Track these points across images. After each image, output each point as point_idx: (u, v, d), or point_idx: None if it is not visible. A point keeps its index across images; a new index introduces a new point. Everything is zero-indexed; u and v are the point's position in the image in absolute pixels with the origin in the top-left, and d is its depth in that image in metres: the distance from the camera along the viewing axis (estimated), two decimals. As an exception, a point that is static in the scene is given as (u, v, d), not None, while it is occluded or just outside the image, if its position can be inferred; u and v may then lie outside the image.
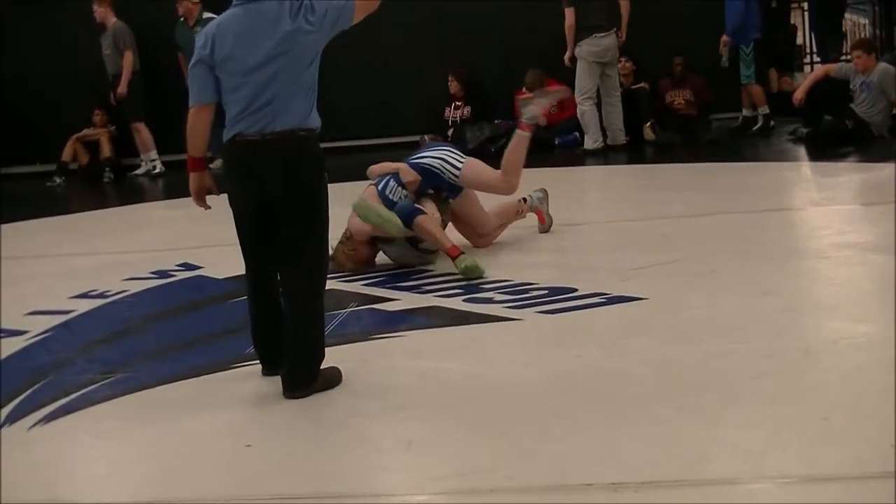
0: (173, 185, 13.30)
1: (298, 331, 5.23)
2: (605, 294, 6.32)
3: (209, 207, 5.62)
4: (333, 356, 5.65)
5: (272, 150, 5.13)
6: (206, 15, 13.32)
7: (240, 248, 5.50)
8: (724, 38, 12.24)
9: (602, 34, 12.18)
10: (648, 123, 12.59)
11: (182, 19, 13.44)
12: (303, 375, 5.19)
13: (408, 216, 7.22)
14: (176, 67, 13.64)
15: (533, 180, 11.05)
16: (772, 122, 12.47)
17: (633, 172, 11.19)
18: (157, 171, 13.86)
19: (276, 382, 5.26)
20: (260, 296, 5.46)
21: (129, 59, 13.44)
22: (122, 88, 13.41)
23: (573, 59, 12.24)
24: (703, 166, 11.05)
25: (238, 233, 5.45)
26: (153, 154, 13.86)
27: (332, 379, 5.27)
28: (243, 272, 5.55)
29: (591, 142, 12.22)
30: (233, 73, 5.17)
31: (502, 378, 5.19)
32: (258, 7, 5.15)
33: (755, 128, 12.52)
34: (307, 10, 5.13)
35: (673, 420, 4.46)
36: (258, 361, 5.54)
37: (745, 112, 12.63)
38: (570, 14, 12.19)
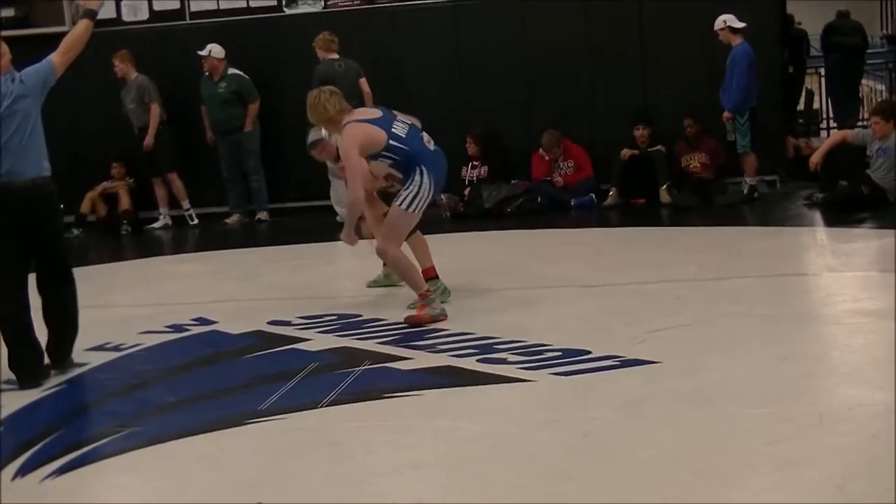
0: (192, 239, 13.37)
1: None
2: (620, 357, 6.30)
3: None
4: (346, 413, 5.67)
5: None
6: (231, 71, 13.46)
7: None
8: (727, 114, 12.24)
9: None
10: (665, 186, 12.61)
11: (207, 74, 13.56)
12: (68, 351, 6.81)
13: None
14: (199, 121, 13.76)
15: (549, 241, 11.10)
16: (756, 194, 12.44)
17: (650, 235, 11.17)
18: (194, 221, 13.92)
19: (290, 437, 5.24)
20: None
21: (155, 110, 13.55)
22: (150, 140, 13.51)
23: None
24: (720, 230, 11.05)
25: None
26: (186, 203, 13.95)
27: None
28: (258, 328, 5.59)
29: None
30: None
31: (515, 439, 5.18)
32: None
33: (744, 195, 12.45)
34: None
35: (688, 484, 4.43)
36: (271, 418, 5.53)
37: (750, 180, 12.57)
38: None
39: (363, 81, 12.63)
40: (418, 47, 13.74)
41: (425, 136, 7.68)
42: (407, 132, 7.58)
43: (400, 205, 7.58)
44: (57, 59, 6.97)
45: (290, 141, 13.03)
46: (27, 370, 6.75)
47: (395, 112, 7.82)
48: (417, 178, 7.53)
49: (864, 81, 17.23)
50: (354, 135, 7.51)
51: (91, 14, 7.07)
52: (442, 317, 7.51)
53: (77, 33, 7.03)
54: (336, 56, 12.71)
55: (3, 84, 6.81)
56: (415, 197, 7.54)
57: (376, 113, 7.72)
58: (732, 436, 4.93)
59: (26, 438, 5.69)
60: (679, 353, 6.37)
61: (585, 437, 5.11)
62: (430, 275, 8.09)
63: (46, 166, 6.97)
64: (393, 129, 7.54)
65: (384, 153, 7.57)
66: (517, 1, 13.55)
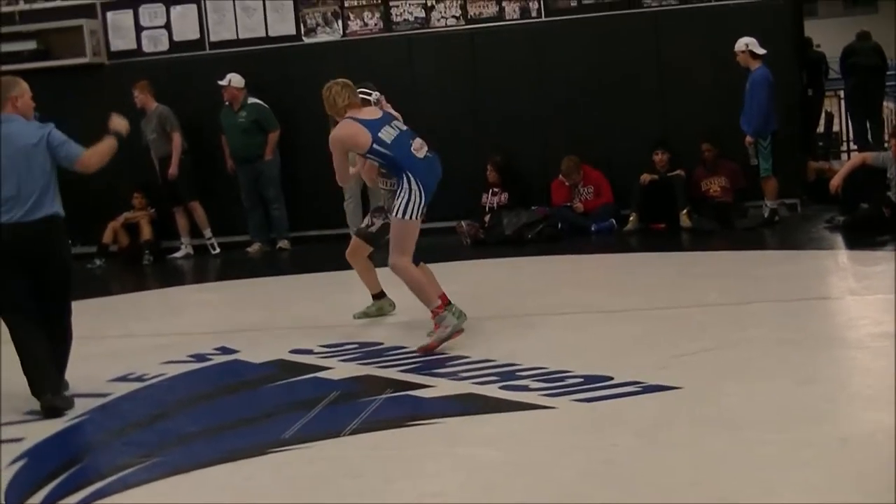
0: (214, 268, 13.41)
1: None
2: (641, 383, 6.30)
3: None
4: (368, 441, 5.68)
5: None
6: (251, 100, 13.53)
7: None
8: (749, 139, 12.23)
9: None
10: (685, 210, 12.61)
11: (227, 103, 13.63)
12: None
13: None
14: (219, 151, 13.83)
15: (569, 267, 11.11)
16: (777, 218, 12.42)
17: (670, 260, 11.17)
18: (216, 250, 13.97)
19: (313, 466, 5.26)
20: None
21: (177, 140, 13.62)
22: (174, 169, 13.58)
23: None
24: (740, 254, 11.04)
25: None
26: (208, 232, 13.99)
27: None
28: (280, 357, 5.62)
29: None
30: None
31: (537, 466, 5.18)
32: None
33: (765, 219, 12.43)
34: None
35: (710, 511, 4.43)
36: (293, 447, 5.55)
37: (770, 204, 12.55)
38: None
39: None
40: (435, 74, 13.79)
41: (416, 142, 7.71)
42: (394, 138, 7.64)
43: (395, 215, 7.66)
44: (82, 161, 7.32)
45: (310, 169, 13.09)
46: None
47: (394, 116, 7.93)
48: (405, 184, 7.61)
49: (885, 103, 17.18)
50: (342, 130, 7.73)
51: (118, 135, 7.42)
52: (456, 333, 7.55)
53: (102, 150, 7.36)
54: None
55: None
56: (407, 203, 7.60)
57: (375, 114, 7.79)
58: (754, 462, 4.92)
59: (50, 470, 5.71)
60: (700, 378, 6.37)
61: (606, 465, 5.11)
62: (444, 301, 8.10)
63: None
64: (379, 134, 7.62)
65: (368, 154, 7.72)
66: (534, 28, 13.58)
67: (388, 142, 7.61)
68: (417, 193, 7.60)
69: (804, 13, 15.62)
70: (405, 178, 7.61)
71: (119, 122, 7.41)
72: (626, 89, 13.29)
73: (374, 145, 7.60)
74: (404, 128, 7.80)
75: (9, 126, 7.07)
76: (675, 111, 13.16)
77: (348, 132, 7.69)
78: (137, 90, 13.60)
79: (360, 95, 8.01)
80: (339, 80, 7.99)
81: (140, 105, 13.65)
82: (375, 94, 8.10)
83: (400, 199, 7.61)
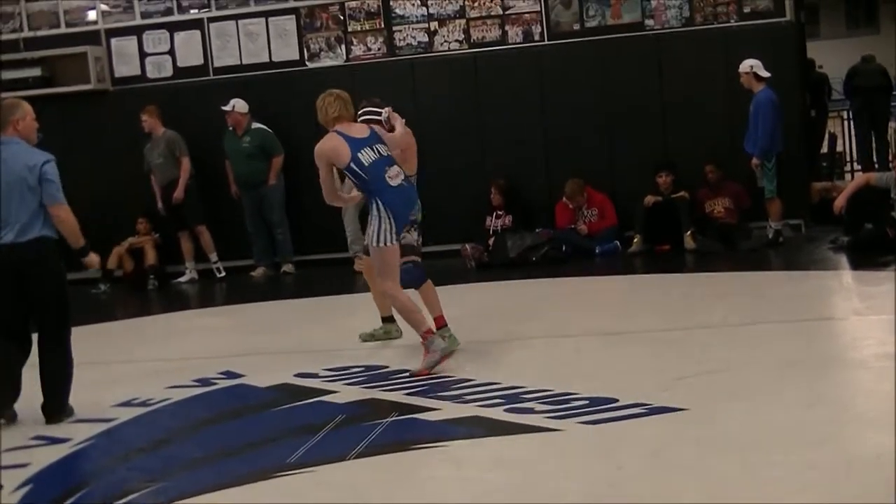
0: (218, 293, 13.42)
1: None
2: (647, 404, 6.29)
3: None
4: (374, 465, 5.68)
5: None
6: (255, 125, 13.57)
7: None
8: (755, 160, 12.24)
9: None
10: (689, 232, 12.62)
11: (231, 129, 13.67)
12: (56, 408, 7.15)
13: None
14: (223, 175, 13.86)
15: (574, 289, 11.11)
16: (781, 239, 12.42)
17: (675, 281, 11.17)
18: (222, 274, 13.99)
19: (319, 490, 5.25)
20: None
21: (186, 164, 13.67)
22: (180, 193, 13.62)
23: None
24: (745, 275, 11.05)
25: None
26: (214, 256, 14.01)
27: None
28: (284, 381, 5.63)
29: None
30: None
31: (543, 488, 5.18)
32: None
33: (769, 240, 12.43)
34: None
35: (715, 533, 4.43)
36: (299, 471, 5.55)
37: (775, 225, 12.55)
38: None
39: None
40: (439, 98, 13.81)
41: (392, 170, 7.68)
42: (371, 162, 7.62)
43: (371, 243, 7.69)
44: (55, 210, 7.26)
45: (314, 193, 13.04)
46: None
47: (380, 137, 7.83)
48: (375, 211, 7.61)
49: (890, 124, 17.17)
50: (325, 143, 7.75)
51: (81, 253, 7.49)
52: (445, 356, 7.56)
53: (72, 227, 7.39)
54: None
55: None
56: (378, 230, 7.60)
57: (362, 132, 7.77)
58: (759, 485, 4.92)
59: (55, 495, 5.73)
60: (705, 400, 6.37)
61: (612, 487, 5.11)
62: (440, 324, 8.14)
63: None
64: (358, 154, 7.62)
65: (346, 171, 7.71)
66: (537, 51, 13.62)
67: (366, 164, 7.61)
68: (387, 219, 7.58)
69: (806, 34, 15.62)
70: (375, 204, 7.62)
71: (92, 262, 7.60)
72: (629, 111, 13.31)
73: (352, 164, 7.61)
74: (385, 153, 7.75)
75: (8, 149, 7.17)
76: (679, 133, 13.17)
77: (331, 145, 7.71)
78: (146, 115, 13.64)
79: (368, 113, 8.07)
80: (336, 90, 8.01)
81: (148, 129, 13.68)
82: (386, 112, 8.14)
83: (372, 227, 7.63)
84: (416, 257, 8.31)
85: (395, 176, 7.68)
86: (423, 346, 7.62)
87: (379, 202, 7.61)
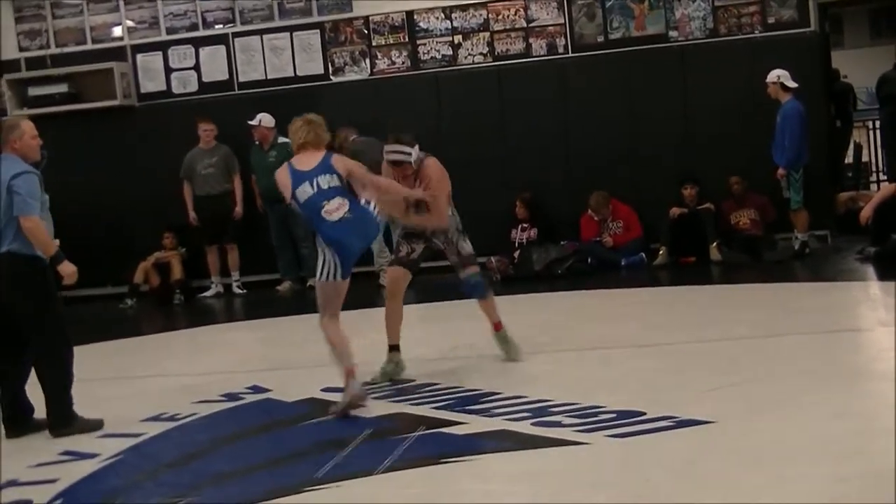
0: (244, 307, 13.45)
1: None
2: (674, 417, 6.28)
3: None
4: (401, 480, 5.69)
5: None
6: (281, 139, 13.62)
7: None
8: (781, 171, 12.22)
9: None
10: (715, 244, 12.60)
11: (257, 143, 13.73)
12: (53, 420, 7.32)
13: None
14: (248, 190, 13.91)
15: (600, 301, 11.10)
16: (807, 250, 12.39)
17: (701, 293, 11.15)
18: (242, 291, 14.06)
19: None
20: None
21: (238, 182, 13.81)
22: (241, 209, 13.78)
23: None
24: (771, 286, 11.02)
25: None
26: (236, 274, 14.10)
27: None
28: (312, 395, 5.64)
29: None
30: None
31: (570, 502, 5.17)
32: None
33: (795, 251, 12.40)
34: None
35: (745, 547, 4.41)
36: (326, 486, 5.56)
37: (801, 236, 12.52)
38: None
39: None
40: (463, 111, 13.83)
41: (331, 204, 7.24)
42: (307, 198, 7.30)
43: (316, 276, 7.54)
44: (24, 222, 7.29)
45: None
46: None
47: (330, 167, 7.37)
48: (318, 246, 7.47)
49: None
50: (278, 174, 7.51)
51: (56, 261, 7.45)
52: (357, 402, 7.16)
53: (42, 238, 7.37)
54: (355, 136, 12.98)
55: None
56: (322, 266, 7.40)
57: (309, 164, 7.38)
58: (788, 498, 4.89)
59: (85, 510, 5.75)
60: (733, 412, 6.35)
61: (640, 500, 5.10)
62: (498, 329, 8.22)
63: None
64: (296, 190, 7.32)
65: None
66: (561, 63, 13.63)
67: (301, 201, 7.33)
68: (329, 256, 7.32)
69: (831, 44, 15.58)
70: (318, 240, 7.46)
71: (66, 270, 7.49)
72: (653, 123, 13.32)
73: (292, 200, 7.40)
74: (327, 186, 7.29)
75: (2, 164, 7.37)
76: (703, 145, 13.16)
77: (279, 178, 7.47)
78: (210, 125, 13.65)
79: (395, 153, 7.86)
80: (309, 116, 7.73)
81: (208, 139, 13.70)
82: (416, 153, 7.88)
83: (318, 262, 7.46)
84: (476, 266, 8.25)
85: (333, 210, 7.23)
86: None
87: (320, 238, 7.40)
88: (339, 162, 7.47)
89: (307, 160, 7.43)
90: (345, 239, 7.29)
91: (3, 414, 7.55)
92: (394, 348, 8.24)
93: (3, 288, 7.35)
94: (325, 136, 7.67)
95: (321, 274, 7.43)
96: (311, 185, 7.30)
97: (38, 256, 7.33)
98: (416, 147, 7.92)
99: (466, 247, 8.18)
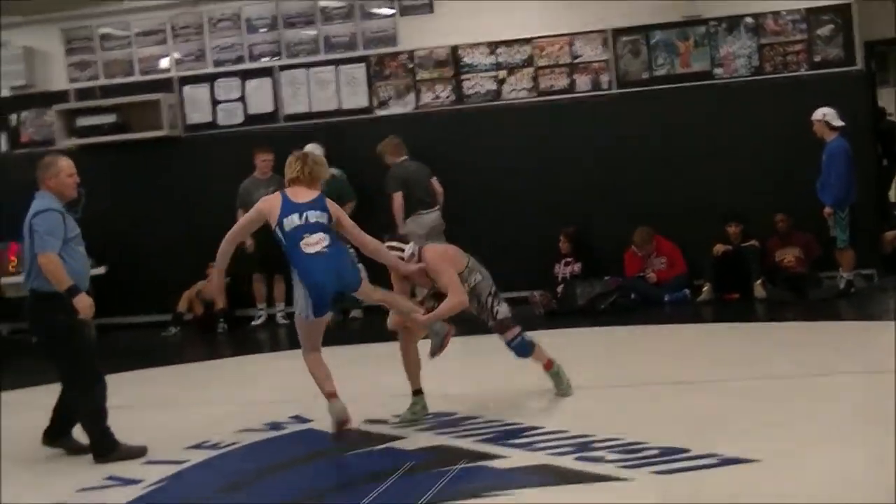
0: (288, 336, 13.47)
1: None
2: (718, 455, 6.25)
3: None
4: (445, 513, 5.69)
5: None
6: (330, 170, 13.61)
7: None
8: (828, 210, 12.15)
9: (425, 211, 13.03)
10: (759, 281, 12.55)
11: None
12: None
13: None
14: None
15: (643, 337, 11.07)
16: (853, 289, 12.30)
17: (745, 330, 11.09)
18: (285, 321, 14.09)
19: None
20: None
21: None
22: None
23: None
24: (815, 325, 10.93)
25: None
26: (281, 305, 14.08)
27: None
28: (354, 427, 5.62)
29: None
30: None
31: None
32: None
33: (841, 290, 12.31)
34: None
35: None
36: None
37: (846, 275, 12.43)
38: (398, 196, 12.98)
39: (434, 181, 13.23)
40: (507, 146, 13.85)
41: (313, 237, 7.27)
42: (291, 229, 7.30)
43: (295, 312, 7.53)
44: (42, 259, 7.43)
45: (380, 240, 13.09)
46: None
47: (322, 205, 7.43)
48: (294, 280, 7.43)
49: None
50: (267, 200, 7.58)
51: (71, 294, 7.47)
52: (340, 421, 7.27)
53: (58, 275, 7.43)
54: (406, 157, 13.10)
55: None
56: (298, 301, 7.40)
57: (301, 198, 7.42)
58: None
59: (129, 537, 5.78)
60: (778, 451, 6.30)
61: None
62: (549, 367, 8.19)
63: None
64: (285, 218, 7.32)
65: (274, 234, 7.47)
66: (605, 100, 13.64)
67: (286, 230, 7.32)
68: (303, 290, 7.30)
69: (877, 82, 15.53)
70: (293, 273, 7.43)
71: (81, 303, 7.49)
72: (698, 160, 13.28)
73: (277, 227, 7.37)
74: (314, 220, 7.34)
75: (34, 202, 7.63)
76: (749, 182, 13.11)
77: (269, 204, 7.50)
78: (269, 155, 13.67)
79: (392, 248, 7.86)
80: (305, 152, 7.87)
81: (265, 169, 13.70)
82: (410, 249, 7.89)
83: (294, 295, 7.47)
84: (516, 328, 8.03)
85: (312, 243, 7.26)
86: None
87: (294, 271, 7.38)
88: (332, 206, 7.53)
89: (301, 194, 7.48)
90: (316, 275, 7.23)
91: (50, 420, 7.79)
92: (417, 392, 8.13)
93: (30, 320, 7.68)
94: (324, 174, 7.74)
95: (298, 309, 7.43)
96: (300, 217, 7.33)
97: (59, 293, 7.43)
98: (411, 244, 7.95)
99: (502, 310, 7.99)
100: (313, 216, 7.35)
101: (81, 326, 7.56)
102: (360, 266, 8.23)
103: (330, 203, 7.51)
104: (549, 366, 8.21)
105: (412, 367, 8.10)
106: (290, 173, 7.59)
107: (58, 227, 7.46)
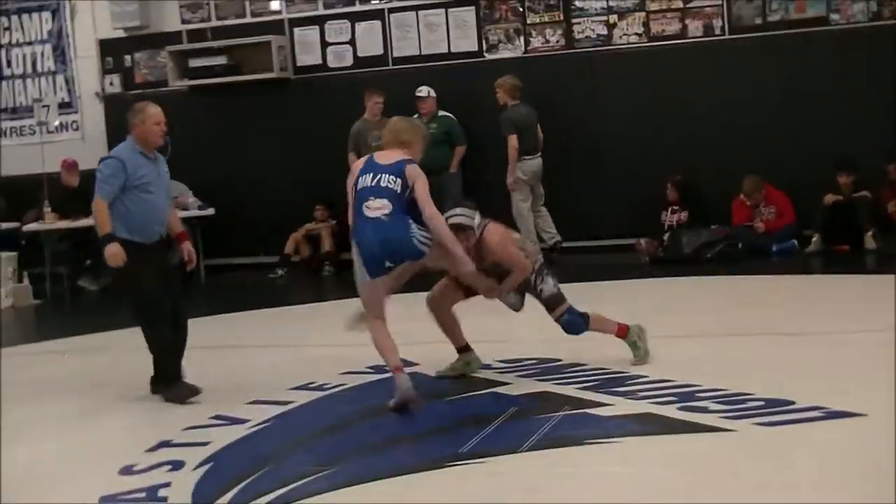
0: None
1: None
2: (824, 408, 6.18)
3: None
4: (545, 458, 5.72)
5: None
6: (442, 112, 13.64)
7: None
8: None
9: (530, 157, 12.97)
10: (870, 232, 12.33)
11: (417, 116, 13.72)
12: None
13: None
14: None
15: (750, 287, 10.95)
16: None
17: (854, 282, 10.92)
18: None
19: (490, 481, 5.31)
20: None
21: None
22: None
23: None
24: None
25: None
26: None
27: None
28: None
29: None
30: None
31: (712, 488, 5.14)
32: None
33: None
34: None
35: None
36: (470, 462, 5.63)
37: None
38: (513, 139, 12.85)
39: (538, 127, 13.19)
40: (617, 92, 13.75)
41: (375, 202, 7.09)
42: (364, 186, 7.16)
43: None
44: (93, 202, 7.61)
45: (489, 185, 13.12)
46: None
47: (400, 171, 7.19)
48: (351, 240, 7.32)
49: None
50: (359, 161, 7.50)
51: (106, 242, 7.52)
52: (406, 400, 6.97)
53: (101, 218, 7.56)
54: (518, 101, 13.03)
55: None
56: (356, 260, 7.24)
57: (384, 160, 7.27)
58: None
59: (234, 475, 5.88)
60: (885, 405, 6.20)
61: (783, 490, 5.04)
62: (622, 332, 7.75)
63: None
64: (361, 176, 7.20)
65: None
66: (717, 45, 13.45)
67: (358, 188, 7.20)
68: (357, 253, 7.18)
69: None
70: (351, 233, 7.30)
71: (111, 253, 7.50)
72: (811, 108, 13.06)
73: (353, 185, 7.26)
74: (385, 185, 7.13)
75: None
76: (862, 130, 12.85)
77: (356, 163, 7.45)
78: (380, 97, 13.69)
79: (459, 217, 7.47)
80: (402, 119, 7.76)
81: (375, 111, 13.66)
82: (479, 219, 7.54)
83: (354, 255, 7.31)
84: (563, 304, 7.64)
85: (374, 208, 7.09)
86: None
87: (352, 233, 7.26)
88: (412, 173, 7.24)
89: (386, 156, 7.33)
90: (365, 239, 7.11)
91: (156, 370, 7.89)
92: (462, 350, 8.01)
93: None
94: (410, 136, 7.48)
95: (356, 272, 7.29)
96: (373, 179, 7.18)
97: (128, 239, 7.53)
98: (478, 214, 7.59)
99: (546, 287, 7.64)
100: (386, 180, 7.17)
101: (143, 272, 7.54)
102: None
103: (411, 169, 7.24)
104: (623, 333, 7.75)
105: (451, 327, 7.98)
106: (383, 140, 7.58)
107: (114, 175, 7.51)
